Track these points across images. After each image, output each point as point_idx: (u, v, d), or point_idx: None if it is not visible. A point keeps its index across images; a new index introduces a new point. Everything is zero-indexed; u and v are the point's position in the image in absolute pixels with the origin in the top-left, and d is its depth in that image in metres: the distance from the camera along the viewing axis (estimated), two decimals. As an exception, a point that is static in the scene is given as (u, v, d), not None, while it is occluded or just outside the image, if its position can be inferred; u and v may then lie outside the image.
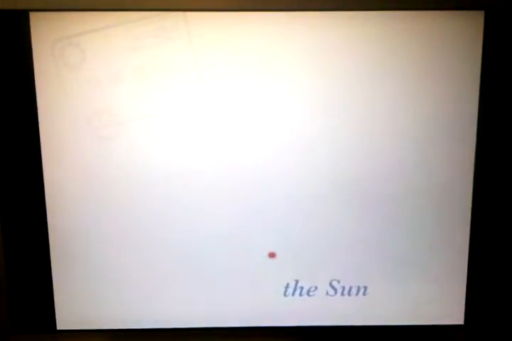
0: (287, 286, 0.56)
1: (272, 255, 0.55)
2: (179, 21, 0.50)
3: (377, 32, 0.50)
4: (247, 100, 0.51)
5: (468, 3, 0.48)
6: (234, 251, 0.55)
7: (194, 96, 0.51)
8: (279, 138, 0.52)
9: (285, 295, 0.56)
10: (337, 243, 0.55)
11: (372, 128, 0.52)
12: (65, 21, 0.49)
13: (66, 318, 0.57)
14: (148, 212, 0.54)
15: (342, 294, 0.57)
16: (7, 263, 0.54)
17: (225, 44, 0.50)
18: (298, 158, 0.53)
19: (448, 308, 0.57)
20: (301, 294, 0.56)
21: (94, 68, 0.50)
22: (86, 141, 0.52)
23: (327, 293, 0.57)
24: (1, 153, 0.52)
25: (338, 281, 0.56)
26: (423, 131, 0.53)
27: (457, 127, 0.53)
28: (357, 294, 0.57)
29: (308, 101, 0.52)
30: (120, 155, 0.52)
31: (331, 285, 0.56)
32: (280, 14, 0.49)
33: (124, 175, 0.53)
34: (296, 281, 0.56)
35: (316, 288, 0.56)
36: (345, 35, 0.50)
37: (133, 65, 0.51)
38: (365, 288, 0.57)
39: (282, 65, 0.50)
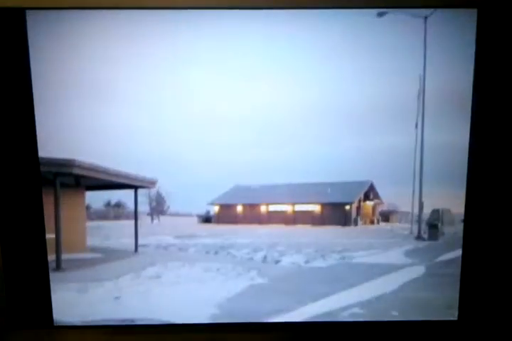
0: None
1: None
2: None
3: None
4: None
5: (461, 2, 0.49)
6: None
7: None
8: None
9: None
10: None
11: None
12: (62, 19, 0.49)
13: (63, 314, 0.57)
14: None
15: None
16: (4, 260, 0.54)
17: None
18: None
19: (442, 304, 0.58)
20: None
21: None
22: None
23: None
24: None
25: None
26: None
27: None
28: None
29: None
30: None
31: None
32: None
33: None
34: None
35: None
36: (345, 36, 0.51)
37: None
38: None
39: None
